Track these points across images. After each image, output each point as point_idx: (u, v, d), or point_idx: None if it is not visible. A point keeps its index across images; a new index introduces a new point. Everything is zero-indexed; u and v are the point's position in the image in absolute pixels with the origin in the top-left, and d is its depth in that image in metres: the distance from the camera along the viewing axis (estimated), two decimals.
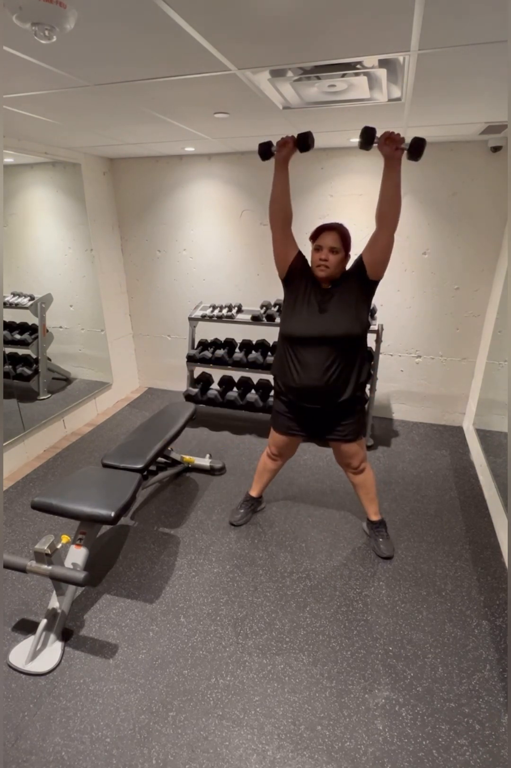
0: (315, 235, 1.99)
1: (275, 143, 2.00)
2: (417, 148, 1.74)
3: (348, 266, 2.03)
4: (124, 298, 4.24)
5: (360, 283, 1.97)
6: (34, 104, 2.04)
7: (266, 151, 2.04)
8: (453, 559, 2.31)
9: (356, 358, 2.04)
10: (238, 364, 3.52)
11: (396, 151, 1.79)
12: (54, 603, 1.88)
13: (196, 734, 1.55)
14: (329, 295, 1.98)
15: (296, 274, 2.06)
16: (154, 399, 4.31)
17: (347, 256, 1.99)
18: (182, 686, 1.71)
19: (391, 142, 1.79)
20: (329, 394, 2.03)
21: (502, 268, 3.04)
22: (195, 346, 3.75)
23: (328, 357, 1.97)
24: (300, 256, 2.09)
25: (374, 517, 2.37)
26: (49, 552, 1.74)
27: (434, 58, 1.45)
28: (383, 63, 1.51)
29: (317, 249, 1.97)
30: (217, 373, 3.75)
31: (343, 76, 1.63)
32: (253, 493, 2.59)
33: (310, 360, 2.00)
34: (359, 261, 1.96)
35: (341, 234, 1.94)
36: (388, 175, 1.87)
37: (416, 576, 2.21)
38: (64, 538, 1.92)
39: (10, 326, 3.98)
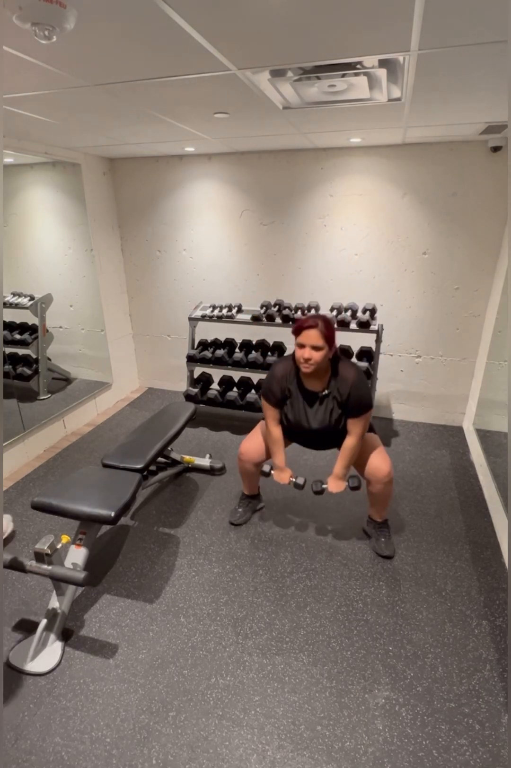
0: (297, 331, 2.03)
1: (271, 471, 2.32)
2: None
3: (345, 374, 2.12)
4: (124, 298, 4.24)
5: (343, 408, 2.14)
6: (34, 104, 2.04)
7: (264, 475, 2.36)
8: (453, 559, 2.31)
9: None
10: (238, 364, 3.52)
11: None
12: (54, 603, 1.88)
13: (196, 734, 1.55)
14: (316, 398, 2.16)
15: (284, 399, 2.23)
16: (154, 399, 4.31)
17: (330, 349, 2.03)
18: (182, 686, 1.71)
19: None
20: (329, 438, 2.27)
21: (502, 268, 3.04)
22: (195, 346, 3.75)
23: (323, 438, 2.26)
24: (282, 391, 2.21)
25: (380, 518, 2.37)
26: (49, 552, 1.74)
27: (434, 58, 1.45)
28: (383, 63, 1.50)
29: (300, 346, 2.02)
30: (217, 373, 3.76)
31: (343, 76, 1.63)
32: (246, 491, 2.59)
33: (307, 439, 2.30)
34: (344, 404, 2.11)
35: (323, 331, 1.97)
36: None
37: (416, 576, 2.21)
38: (64, 538, 1.92)
39: (10, 326, 3.98)
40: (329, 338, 1.99)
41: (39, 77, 1.65)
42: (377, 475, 2.16)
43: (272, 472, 2.30)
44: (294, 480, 2.24)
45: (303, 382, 2.15)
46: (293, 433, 2.31)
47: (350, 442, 2.15)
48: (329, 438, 2.25)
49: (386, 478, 2.16)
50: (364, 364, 3.18)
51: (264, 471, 2.32)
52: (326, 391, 2.12)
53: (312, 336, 1.96)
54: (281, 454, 2.28)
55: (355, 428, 2.12)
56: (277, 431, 2.26)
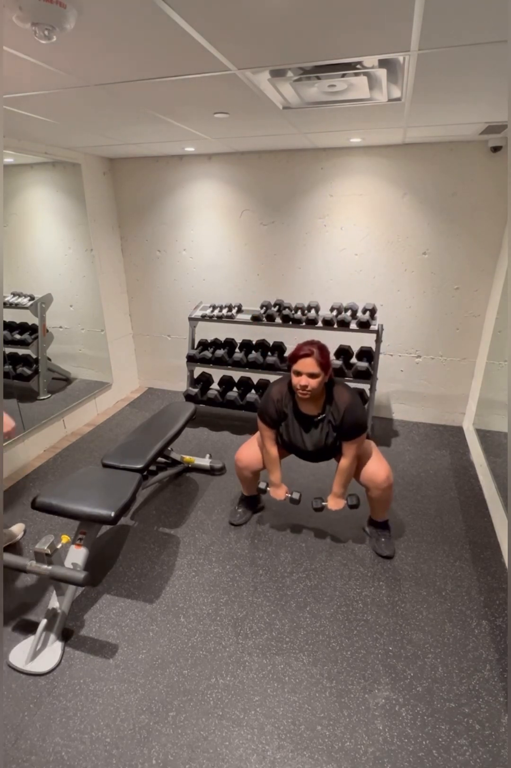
0: (292, 359, 2.05)
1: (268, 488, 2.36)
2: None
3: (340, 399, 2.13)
4: (124, 298, 4.24)
5: (337, 431, 2.16)
6: (34, 104, 2.04)
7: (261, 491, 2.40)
8: (453, 559, 2.31)
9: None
10: (238, 364, 3.52)
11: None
12: (54, 603, 1.88)
13: (196, 734, 1.55)
14: (311, 422, 2.18)
15: (280, 421, 2.26)
16: (154, 399, 4.31)
17: (326, 375, 2.05)
18: (182, 686, 1.71)
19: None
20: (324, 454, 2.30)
21: (502, 268, 3.04)
22: (195, 346, 3.75)
23: (319, 456, 2.29)
24: (278, 414, 2.23)
25: (380, 519, 2.37)
26: (49, 552, 1.74)
27: (434, 58, 1.45)
28: (383, 63, 1.50)
29: (296, 374, 2.04)
30: (217, 373, 3.76)
31: (343, 76, 1.63)
32: (245, 492, 2.59)
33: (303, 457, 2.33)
34: (339, 427, 2.12)
35: (318, 359, 1.99)
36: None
37: (416, 576, 2.21)
38: (64, 538, 1.92)
39: (10, 326, 3.98)
40: (325, 365, 2.01)
41: (39, 77, 1.65)
42: (376, 481, 2.18)
43: (268, 488, 2.34)
44: (290, 496, 2.30)
45: (298, 406, 2.17)
46: (290, 449, 2.35)
47: (344, 463, 2.19)
48: (325, 455, 2.29)
49: (385, 483, 2.17)
50: (364, 365, 3.18)
51: (260, 488, 2.36)
52: (322, 416, 2.14)
53: (308, 364, 1.98)
54: (277, 472, 2.32)
55: (349, 450, 2.16)
56: (273, 450, 2.30)
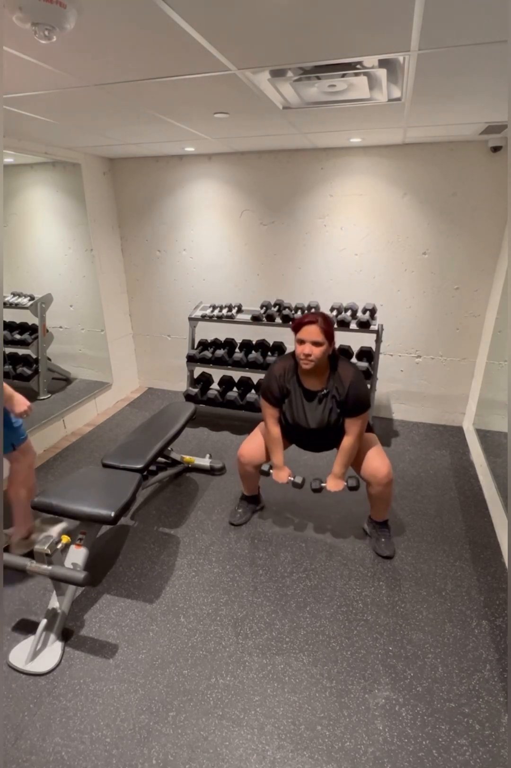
0: (297, 328, 2.03)
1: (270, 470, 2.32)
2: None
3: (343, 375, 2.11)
4: (124, 298, 4.24)
5: (341, 407, 2.13)
6: (34, 104, 2.04)
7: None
8: (453, 559, 2.31)
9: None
10: (238, 364, 3.52)
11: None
12: (54, 603, 1.88)
13: (196, 734, 1.55)
14: (315, 397, 2.15)
15: (283, 397, 2.23)
16: (154, 399, 4.31)
17: (330, 345, 2.04)
18: (182, 686, 1.71)
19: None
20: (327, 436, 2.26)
21: (502, 268, 3.04)
22: (195, 346, 3.75)
23: (321, 438, 2.26)
24: (281, 390, 2.20)
25: (380, 518, 2.37)
26: (49, 552, 1.74)
27: (434, 58, 1.45)
28: (383, 63, 1.51)
29: (300, 342, 2.03)
30: (217, 373, 3.75)
31: (343, 76, 1.63)
32: (246, 492, 2.59)
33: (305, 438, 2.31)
34: (343, 403, 2.10)
35: (323, 327, 1.98)
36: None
37: (416, 576, 2.21)
38: (64, 538, 1.92)
39: (10, 326, 3.98)
40: (329, 334, 2.00)
41: (39, 77, 1.65)
42: (377, 476, 2.16)
43: (271, 471, 2.30)
44: (292, 479, 2.25)
45: (302, 381, 2.15)
46: (292, 433, 2.31)
47: (348, 441, 2.15)
48: (328, 438, 2.25)
49: (385, 479, 2.16)
50: (364, 365, 3.18)
51: (263, 470, 2.32)
52: (325, 390, 2.12)
53: (312, 332, 1.97)
54: (279, 453, 2.28)
55: (353, 428, 2.13)
56: (276, 430, 2.26)
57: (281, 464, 2.29)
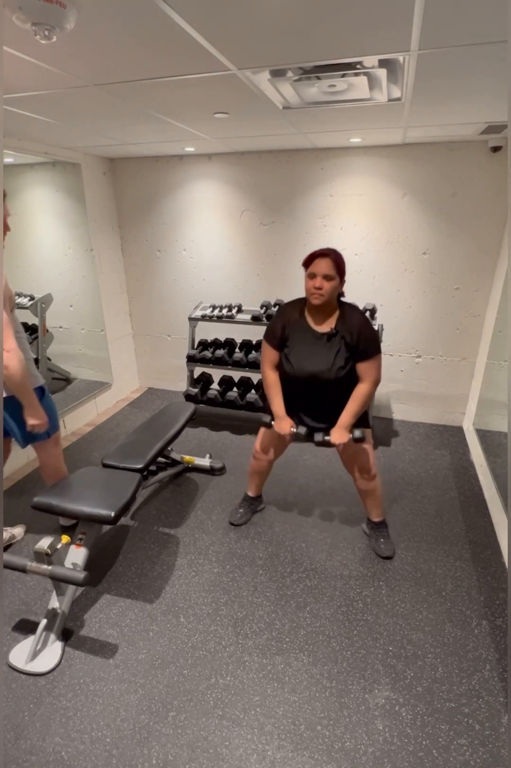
0: (308, 262, 1.97)
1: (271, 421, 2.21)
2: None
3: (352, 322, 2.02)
4: (124, 298, 4.24)
5: (352, 350, 2.03)
6: (34, 104, 2.04)
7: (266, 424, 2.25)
8: (453, 559, 2.31)
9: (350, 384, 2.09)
10: (238, 364, 3.52)
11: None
12: (54, 603, 1.88)
13: (196, 734, 1.55)
14: (322, 339, 2.04)
15: (285, 340, 2.13)
16: (154, 399, 4.31)
17: (341, 282, 1.99)
18: (182, 686, 1.71)
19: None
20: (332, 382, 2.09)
21: (502, 268, 3.04)
22: (195, 346, 3.75)
23: (325, 393, 2.10)
24: (284, 329, 2.11)
25: (377, 518, 2.37)
26: (49, 552, 1.74)
27: (434, 58, 1.45)
28: (383, 63, 1.50)
29: (311, 276, 1.96)
30: (217, 373, 3.75)
31: (343, 76, 1.63)
32: (251, 492, 2.59)
33: (308, 393, 2.14)
34: (355, 345, 2.00)
35: (335, 261, 1.93)
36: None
37: (416, 576, 2.21)
38: (64, 538, 1.92)
39: None
40: (341, 269, 1.94)
41: (39, 77, 1.65)
42: (360, 470, 2.19)
43: (273, 422, 2.19)
44: (295, 430, 2.15)
45: (309, 322, 2.06)
46: (293, 389, 2.17)
47: (363, 387, 2.02)
48: (331, 392, 2.09)
49: (371, 471, 2.18)
50: None
51: (264, 422, 2.21)
52: (335, 330, 2.01)
53: (324, 265, 1.90)
54: (279, 401, 2.17)
55: (368, 373, 2.01)
56: (274, 375, 2.17)
57: (282, 414, 2.15)
